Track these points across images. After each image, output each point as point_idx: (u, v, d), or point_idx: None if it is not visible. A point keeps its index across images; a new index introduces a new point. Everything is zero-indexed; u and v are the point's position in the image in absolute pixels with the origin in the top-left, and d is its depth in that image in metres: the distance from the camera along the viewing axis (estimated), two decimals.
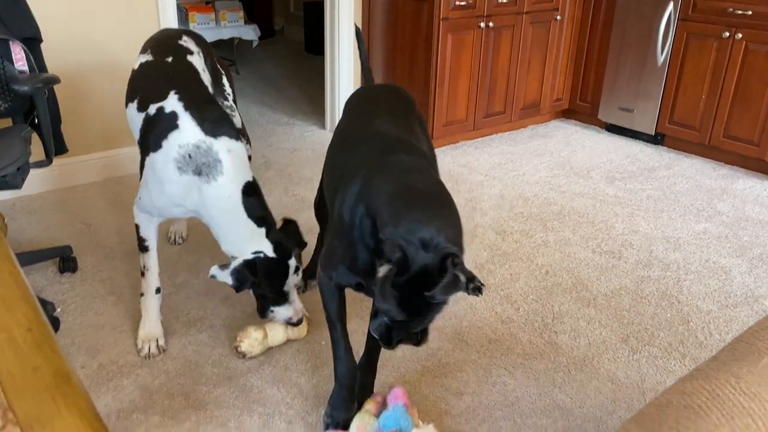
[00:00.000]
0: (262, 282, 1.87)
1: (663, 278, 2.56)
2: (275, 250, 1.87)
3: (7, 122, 2.55)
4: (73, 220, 2.85)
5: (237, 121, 2.50)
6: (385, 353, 2.06)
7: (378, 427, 1.64)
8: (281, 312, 1.97)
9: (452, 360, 2.05)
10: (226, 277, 1.85)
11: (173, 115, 1.83)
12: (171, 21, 3.24)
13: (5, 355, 0.64)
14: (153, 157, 1.85)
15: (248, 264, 1.84)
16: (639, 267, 2.63)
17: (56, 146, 2.33)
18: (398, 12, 3.77)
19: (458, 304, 2.35)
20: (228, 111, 2.44)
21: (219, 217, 1.84)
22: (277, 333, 2.05)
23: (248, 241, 1.85)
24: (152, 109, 1.90)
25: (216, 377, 1.94)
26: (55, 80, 2.19)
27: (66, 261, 2.44)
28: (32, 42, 2.29)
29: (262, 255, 1.85)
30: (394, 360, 2.04)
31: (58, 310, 2.23)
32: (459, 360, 2.05)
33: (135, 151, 3.35)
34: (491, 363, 2.04)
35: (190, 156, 1.78)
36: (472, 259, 2.66)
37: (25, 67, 2.25)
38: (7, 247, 0.88)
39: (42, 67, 2.33)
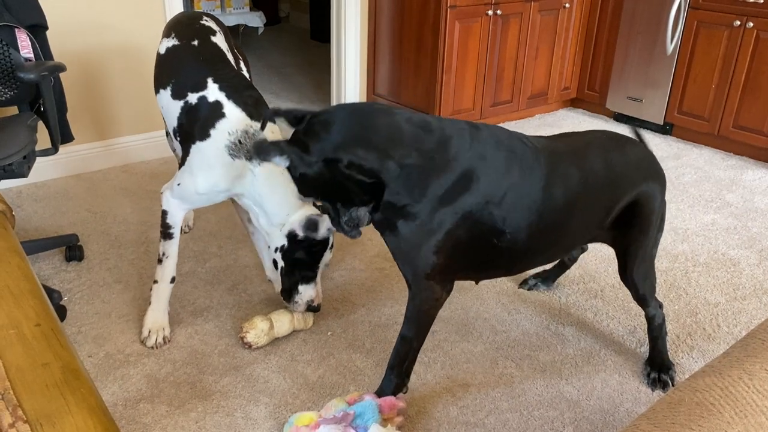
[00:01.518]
0: (314, 246, 1.90)
1: (671, 270, 2.54)
2: (326, 225, 1.94)
3: (12, 110, 2.55)
4: (79, 208, 2.85)
5: None
6: (391, 345, 2.06)
7: (342, 409, 1.65)
8: (307, 292, 1.99)
9: (459, 351, 2.05)
10: (298, 226, 1.88)
11: (218, 105, 1.87)
12: (177, 8, 3.22)
13: (15, 350, 0.63)
14: (201, 146, 1.87)
15: (313, 220, 1.89)
16: None
17: (62, 134, 2.33)
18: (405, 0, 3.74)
19: (465, 295, 2.34)
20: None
21: (273, 192, 1.88)
22: (283, 323, 2.04)
23: (302, 208, 1.91)
24: (192, 98, 1.92)
25: (222, 367, 1.94)
26: (61, 68, 2.17)
27: (72, 249, 2.44)
28: (38, 29, 2.27)
29: (317, 220, 1.91)
30: None
31: (65, 298, 2.23)
32: (466, 351, 2.05)
33: (141, 138, 3.34)
34: (498, 354, 2.04)
35: (240, 142, 1.83)
36: None
37: (31, 55, 2.24)
38: (15, 240, 0.87)
39: (48, 55, 2.32)
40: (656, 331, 1.96)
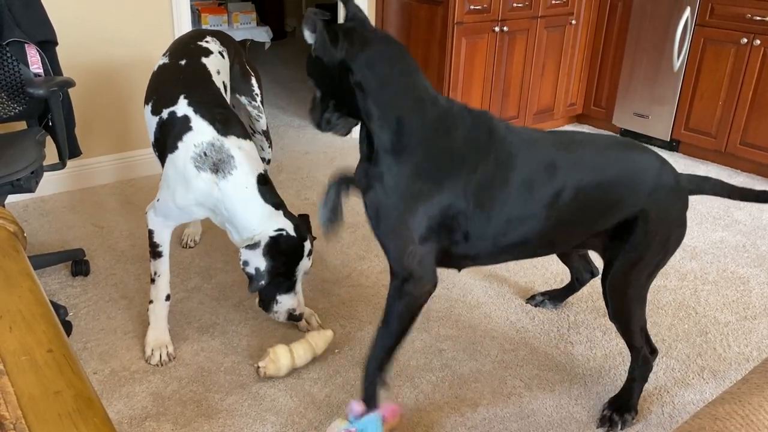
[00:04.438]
0: (280, 260, 1.89)
1: (680, 288, 2.52)
2: (295, 230, 1.92)
3: (21, 125, 2.55)
4: (85, 223, 2.85)
5: (263, 123, 2.53)
6: (399, 364, 2.04)
7: (345, 428, 1.64)
8: (286, 301, 1.97)
9: (467, 370, 2.03)
10: (257, 257, 1.85)
11: (185, 118, 1.91)
12: (185, 23, 3.23)
13: (27, 378, 0.62)
14: (171, 158, 1.90)
15: (274, 240, 1.87)
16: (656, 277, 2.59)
17: (70, 149, 2.33)
18: (412, 15, 3.75)
19: (472, 313, 2.32)
20: (255, 112, 2.47)
21: (238, 206, 1.88)
22: (303, 352, 1.96)
23: (269, 222, 1.90)
24: (165, 113, 1.96)
25: (228, 385, 1.92)
26: (71, 83, 2.18)
27: (78, 264, 2.43)
28: (48, 45, 2.28)
29: (284, 233, 1.89)
30: (409, 370, 2.02)
31: (71, 314, 2.22)
32: (474, 370, 2.03)
33: (147, 153, 3.35)
34: (506, 374, 2.02)
35: (205, 154, 1.86)
36: (485, 267, 2.63)
37: (41, 70, 2.25)
38: (27, 263, 0.86)
39: (57, 70, 2.32)
40: (635, 371, 1.83)
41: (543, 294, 2.36)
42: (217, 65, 2.19)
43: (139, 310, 2.25)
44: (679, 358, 2.11)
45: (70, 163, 2.35)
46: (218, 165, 1.85)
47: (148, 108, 2.07)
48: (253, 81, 2.49)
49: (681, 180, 1.72)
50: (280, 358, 1.92)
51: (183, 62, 2.11)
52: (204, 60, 2.14)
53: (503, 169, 1.57)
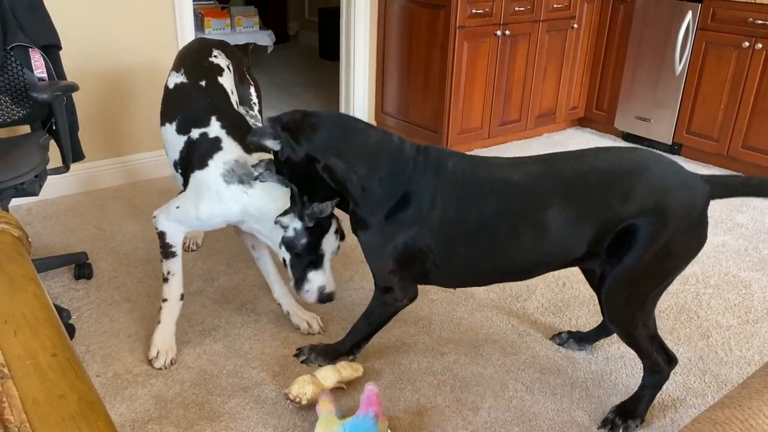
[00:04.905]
0: (309, 231, 1.94)
1: (681, 292, 2.52)
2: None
3: (25, 129, 2.57)
4: (88, 226, 2.86)
5: None
6: (401, 367, 2.04)
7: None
8: (315, 279, 1.97)
9: (468, 374, 2.03)
10: (292, 220, 1.91)
11: (217, 140, 2.05)
12: (188, 27, 3.25)
13: (31, 382, 0.63)
14: (200, 174, 2.02)
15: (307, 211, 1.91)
16: None
17: (73, 153, 2.34)
18: (414, 19, 3.76)
19: (474, 316, 2.33)
20: (252, 121, 2.50)
21: (267, 200, 1.98)
22: (329, 378, 1.89)
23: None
24: (195, 133, 2.07)
25: (231, 388, 1.93)
26: (74, 88, 2.19)
27: (81, 267, 2.44)
28: (51, 49, 2.30)
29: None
30: (410, 373, 2.02)
31: (74, 317, 2.23)
32: (475, 374, 2.03)
33: (149, 156, 3.36)
34: (508, 377, 2.02)
35: (233, 170, 2.00)
36: None
37: (44, 75, 2.26)
38: (31, 268, 0.87)
39: (60, 74, 2.34)
40: (645, 378, 1.81)
41: (570, 333, 2.19)
42: (229, 84, 2.27)
43: (141, 313, 2.26)
44: (681, 362, 2.11)
45: (73, 166, 2.36)
46: (243, 177, 1.99)
47: (171, 127, 2.13)
48: (252, 90, 2.50)
49: (691, 179, 1.61)
50: (305, 385, 1.83)
51: (204, 83, 2.19)
52: (220, 80, 2.22)
53: (458, 204, 1.68)
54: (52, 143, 2.31)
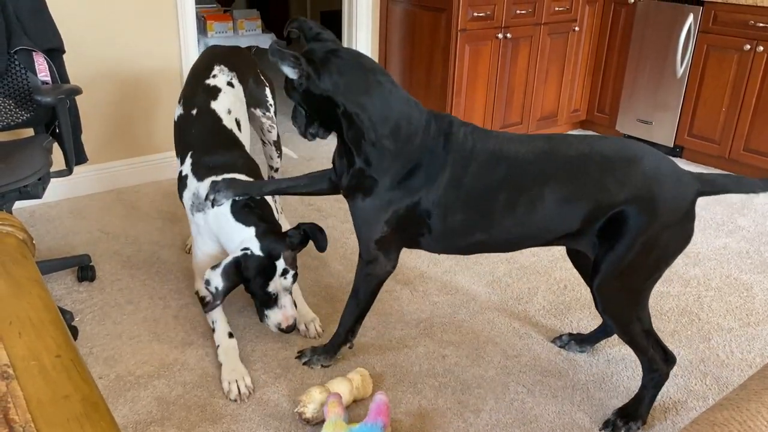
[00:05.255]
0: (250, 279, 1.96)
1: (683, 294, 2.53)
2: (261, 249, 1.96)
3: (28, 131, 2.58)
4: (91, 228, 2.87)
5: (274, 134, 2.62)
6: (402, 369, 2.05)
7: None
8: (272, 316, 2.01)
9: (470, 375, 2.04)
10: (216, 277, 1.92)
11: (186, 176, 2.16)
12: (191, 30, 3.26)
13: (36, 383, 0.64)
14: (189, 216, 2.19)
15: (235, 261, 1.94)
16: (658, 283, 2.59)
17: (76, 156, 2.35)
18: (416, 22, 3.77)
19: (475, 319, 2.33)
20: (268, 123, 2.55)
21: (222, 227, 2.04)
22: (342, 393, 1.85)
23: (238, 241, 1.99)
24: (179, 170, 2.22)
25: None
26: (78, 91, 2.20)
27: (84, 270, 2.45)
28: (55, 53, 2.31)
29: (249, 252, 1.95)
30: (411, 375, 2.03)
31: (77, 319, 2.24)
32: (477, 376, 2.04)
33: (152, 159, 3.38)
34: (509, 379, 2.03)
35: (193, 203, 2.12)
36: (489, 272, 2.64)
37: (48, 78, 2.27)
38: (36, 270, 0.88)
39: (64, 78, 2.35)
40: (644, 378, 1.82)
41: (570, 335, 2.20)
42: (227, 103, 2.28)
43: (144, 315, 2.27)
44: (682, 365, 2.11)
45: (76, 169, 2.38)
46: (200, 206, 2.09)
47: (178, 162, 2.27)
48: (267, 91, 2.54)
49: (683, 174, 1.65)
50: (315, 396, 1.81)
51: (194, 112, 2.25)
52: (213, 105, 2.26)
53: (465, 173, 1.69)
54: (55, 146, 2.33)
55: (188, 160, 2.16)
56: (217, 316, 2.11)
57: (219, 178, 2.04)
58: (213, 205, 1.99)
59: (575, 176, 1.65)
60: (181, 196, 2.20)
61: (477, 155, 1.71)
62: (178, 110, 2.32)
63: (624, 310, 1.73)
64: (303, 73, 1.64)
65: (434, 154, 1.71)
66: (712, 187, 1.69)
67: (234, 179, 2.01)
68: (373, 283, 1.91)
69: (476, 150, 1.71)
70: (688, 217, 1.66)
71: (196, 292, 2.24)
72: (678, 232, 1.66)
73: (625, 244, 1.64)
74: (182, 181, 2.17)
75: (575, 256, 2.06)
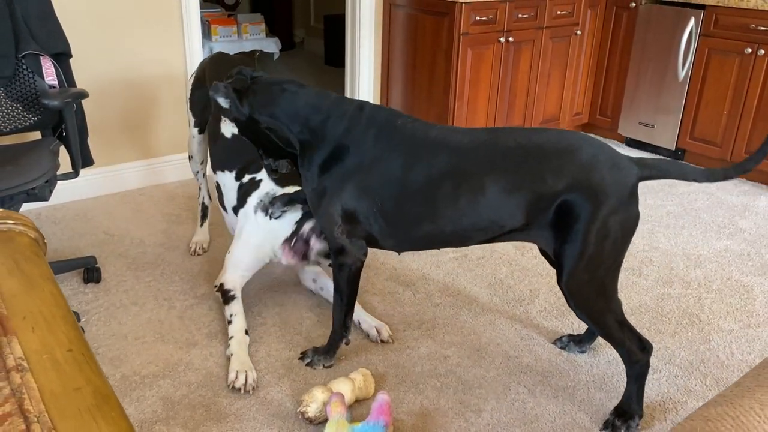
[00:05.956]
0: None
1: (684, 296, 2.54)
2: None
3: (35, 135, 2.61)
4: (97, 230, 2.90)
5: None
6: (404, 369, 2.07)
7: None
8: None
9: (471, 376, 2.06)
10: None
11: (260, 181, 2.30)
12: (195, 34, 3.29)
13: (48, 375, 0.66)
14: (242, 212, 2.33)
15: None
16: (659, 284, 2.62)
17: (82, 158, 2.38)
18: (418, 26, 3.80)
19: (477, 319, 2.35)
20: None
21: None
22: (344, 393, 1.86)
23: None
24: (238, 179, 2.38)
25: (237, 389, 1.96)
26: (84, 95, 2.23)
27: (90, 271, 2.48)
28: (62, 57, 2.34)
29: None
30: (413, 375, 2.05)
31: (83, 320, 2.27)
32: (478, 376, 2.06)
33: (156, 161, 3.41)
34: (510, 380, 2.04)
35: (260, 201, 2.26)
36: (491, 273, 2.66)
37: (55, 82, 2.30)
38: (47, 268, 0.91)
39: (71, 82, 2.38)
40: (628, 371, 1.82)
41: (570, 336, 2.22)
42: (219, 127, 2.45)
43: (149, 316, 2.30)
44: (683, 366, 2.13)
45: (82, 172, 2.41)
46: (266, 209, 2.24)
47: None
48: None
49: (621, 160, 1.68)
50: (318, 396, 1.83)
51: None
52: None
53: (406, 161, 1.75)
54: (62, 149, 2.36)
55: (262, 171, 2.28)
56: (237, 311, 2.16)
57: (292, 189, 2.19)
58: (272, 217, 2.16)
59: (513, 167, 1.69)
60: (243, 199, 2.29)
61: (418, 143, 1.76)
62: (230, 128, 2.37)
63: (595, 304, 1.74)
64: (231, 101, 1.84)
65: (364, 141, 1.79)
66: (652, 171, 1.70)
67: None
68: (348, 272, 1.94)
69: (417, 138, 1.77)
70: (630, 201, 1.67)
71: (221, 284, 2.23)
72: (625, 216, 1.67)
73: (578, 234, 1.65)
74: (252, 185, 2.27)
75: (548, 256, 2.06)
